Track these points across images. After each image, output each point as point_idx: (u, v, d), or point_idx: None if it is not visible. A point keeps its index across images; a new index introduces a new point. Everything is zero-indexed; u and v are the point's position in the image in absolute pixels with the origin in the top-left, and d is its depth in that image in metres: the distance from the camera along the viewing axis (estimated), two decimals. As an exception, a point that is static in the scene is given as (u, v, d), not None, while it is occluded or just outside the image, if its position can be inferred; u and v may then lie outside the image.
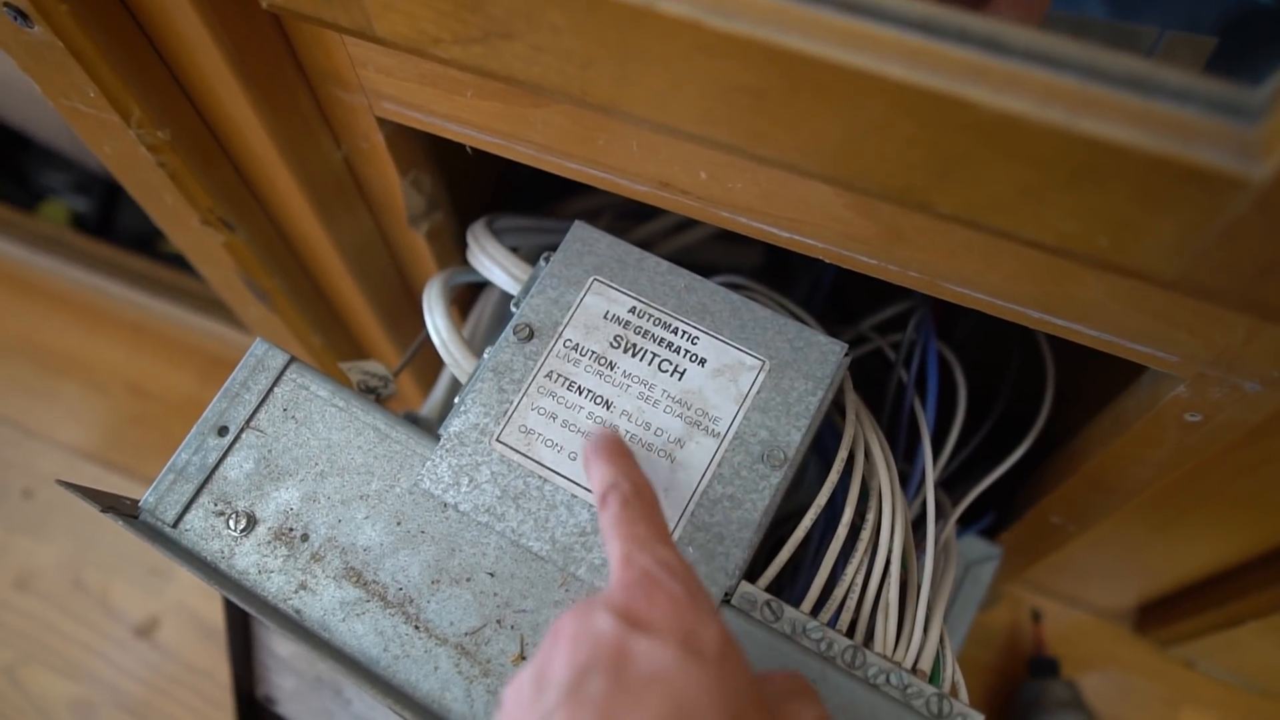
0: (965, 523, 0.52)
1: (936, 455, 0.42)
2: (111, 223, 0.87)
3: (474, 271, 0.44)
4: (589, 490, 0.33)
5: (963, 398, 0.44)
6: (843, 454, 0.35)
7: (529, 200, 0.58)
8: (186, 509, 0.34)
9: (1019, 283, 0.31)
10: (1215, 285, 0.25)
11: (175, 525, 0.34)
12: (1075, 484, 0.43)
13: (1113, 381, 0.42)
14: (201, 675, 0.62)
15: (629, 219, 0.55)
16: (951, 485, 0.51)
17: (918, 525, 0.38)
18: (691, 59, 0.25)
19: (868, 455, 0.36)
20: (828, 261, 0.35)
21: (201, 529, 0.34)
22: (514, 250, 0.43)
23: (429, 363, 0.56)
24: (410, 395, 0.64)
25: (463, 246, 0.48)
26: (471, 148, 0.38)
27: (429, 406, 0.50)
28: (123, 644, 0.65)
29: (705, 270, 0.37)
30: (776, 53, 0.23)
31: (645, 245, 0.37)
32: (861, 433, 0.36)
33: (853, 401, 0.37)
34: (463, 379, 0.39)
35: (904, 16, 0.23)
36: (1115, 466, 0.40)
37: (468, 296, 0.58)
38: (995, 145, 0.23)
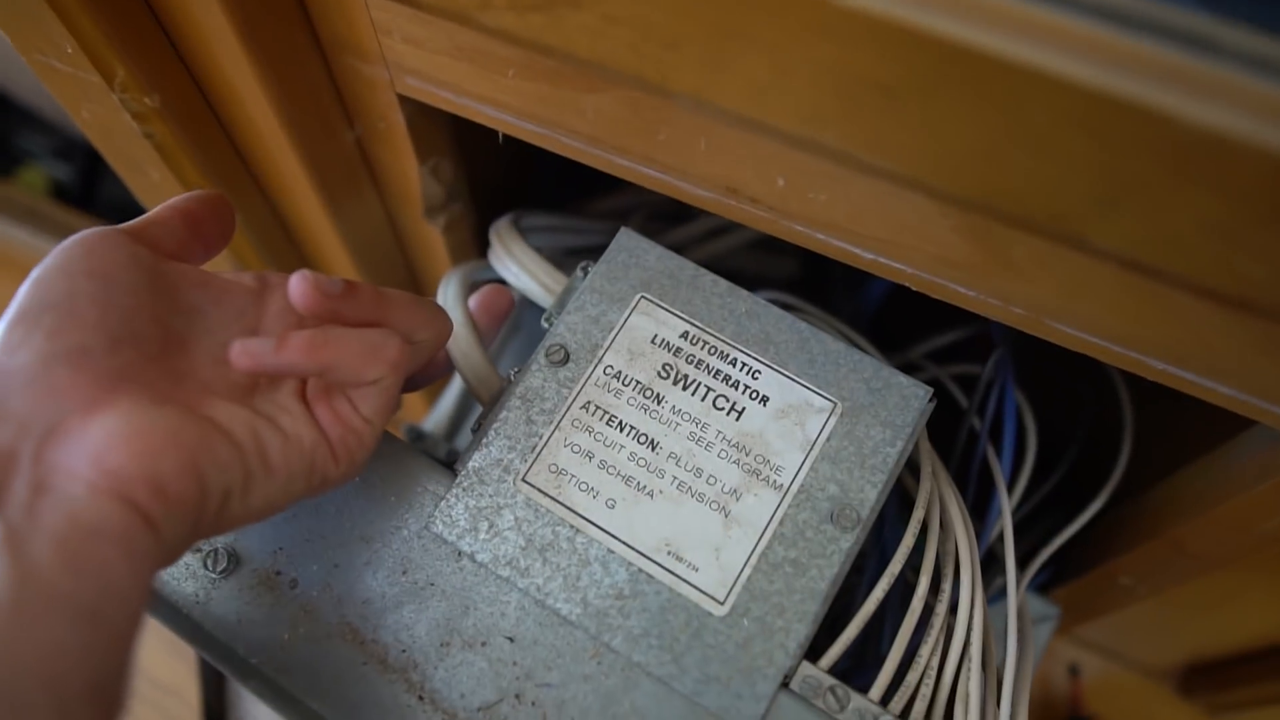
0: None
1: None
2: (94, 194, 0.81)
3: (493, 269, 0.39)
4: (630, 545, 0.28)
5: (1033, 446, 0.39)
6: (918, 515, 0.30)
7: (550, 195, 0.53)
8: (155, 541, 0.29)
9: (1149, 329, 0.26)
10: None
11: (141, 560, 0.29)
12: (1156, 547, 0.39)
13: (1206, 433, 0.37)
14: (168, 693, 0.57)
15: (662, 220, 0.50)
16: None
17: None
18: (806, 43, 0.20)
19: (943, 520, 0.31)
20: (913, 288, 0.30)
21: (174, 567, 0.29)
22: (538, 252, 0.38)
23: (436, 369, 0.51)
24: (412, 404, 0.59)
25: (481, 242, 0.43)
26: (504, 135, 0.33)
27: (434, 420, 0.45)
28: (84, 654, 0.59)
29: (734, 280, 0.32)
30: (919, 39, 0.18)
31: (675, 251, 0.32)
32: (937, 492, 0.32)
33: (928, 455, 0.32)
34: (481, 396, 0.34)
35: (1089, 2, 0.18)
36: (1210, 534, 0.36)
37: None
38: (1189, 170, 0.18)
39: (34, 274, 0.24)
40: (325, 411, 0.26)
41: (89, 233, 0.25)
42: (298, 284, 0.25)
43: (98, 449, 0.21)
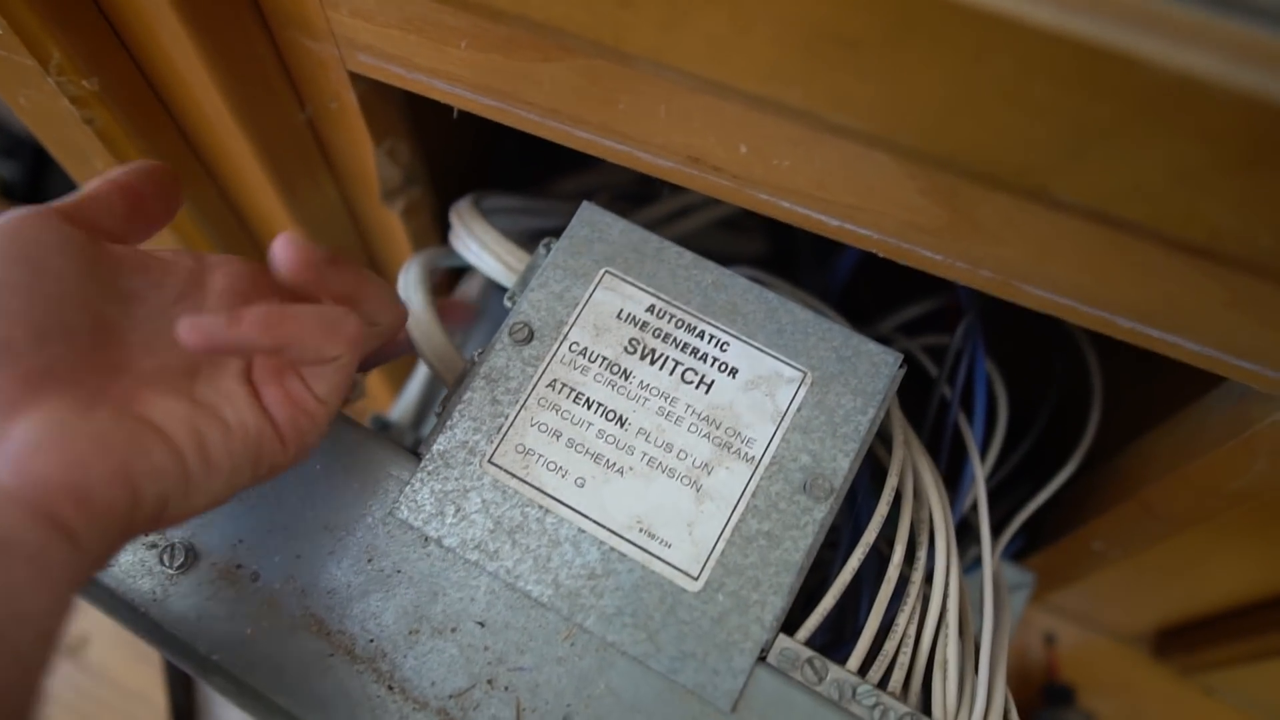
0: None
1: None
2: (42, 191, 0.79)
3: (456, 255, 0.38)
4: (601, 524, 0.28)
5: (1004, 414, 0.39)
6: (891, 484, 0.30)
7: (512, 178, 0.52)
8: (109, 538, 0.28)
9: (1118, 286, 0.26)
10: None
11: (95, 558, 0.28)
12: (1127, 509, 0.39)
13: (1175, 395, 0.37)
14: (134, 699, 0.55)
15: (627, 200, 0.49)
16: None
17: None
18: (766, -5, 0.19)
19: (917, 488, 0.31)
20: (881, 255, 0.30)
21: (129, 564, 0.28)
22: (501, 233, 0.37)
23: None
24: (377, 394, 0.58)
25: (443, 227, 0.42)
26: (458, 110, 0.33)
27: (400, 409, 0.44)
28: (47, 663, 0.58)
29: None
30: (881, -12, 0.18)
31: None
32: (910, 460, 0.31)
33: (900, 423, 0.32)
34: (446, 382, 0.34)
35: (1052, -55, 0.17)
36: (1180, 494, 0.36)
37: (443, 285, 0.52)
38: (1158, 116, 0.18)
39: None
40: (275, 394, 0.25)
41: (16, 213, 0.23)
42: (283, 248, 0.23)
43: (17, 456, 0.20)
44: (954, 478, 0.37)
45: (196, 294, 0.26)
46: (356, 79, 0.33)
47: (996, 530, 0.40)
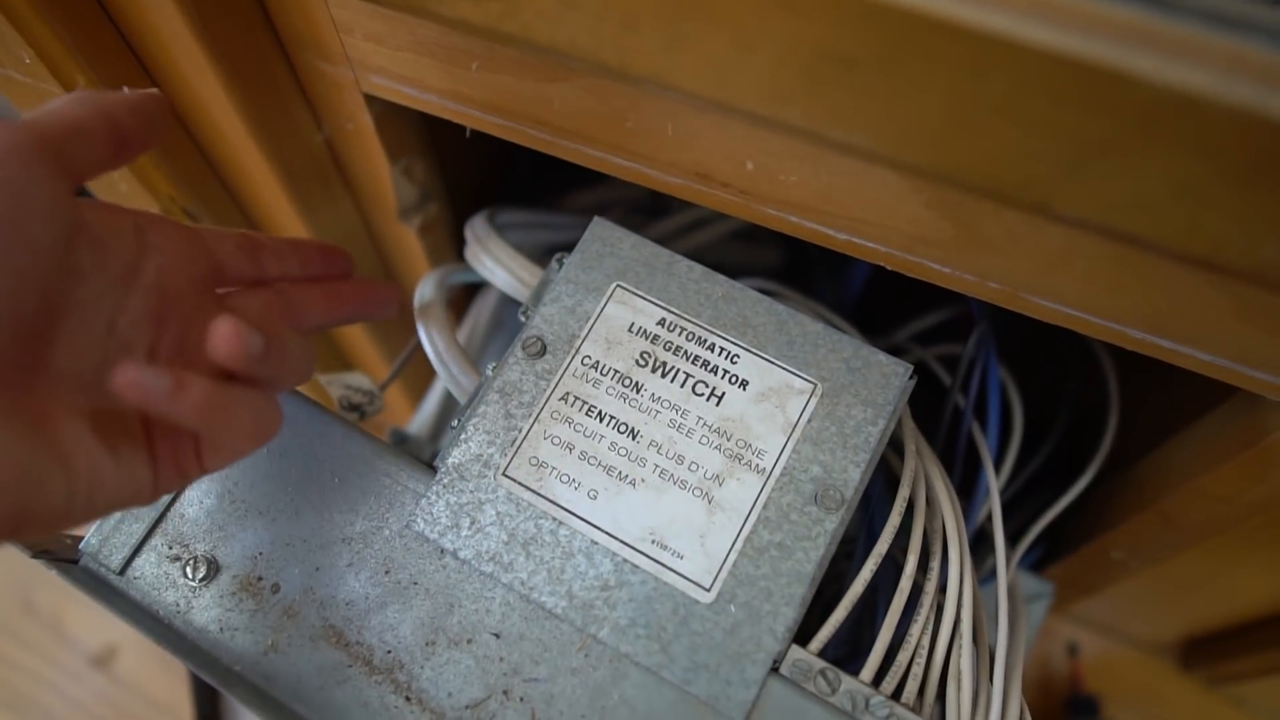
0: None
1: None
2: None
3: (472, 271, 0.39)
4: (613, 536, 0.28)
5: (1019, 422, 0.39)
6: (904, 493, 0.30)
7: (527, 193, 0.53)
8: (136, 552, 0.29)
9: (1126, 298, 0.26)
10: None
11: (122, 572, 0.28)
12: (1146, 519, 0.39)
13: (1192, 404, 0.37)
14: (162, 711, 0.56)
15: (641, 215, 0.49)
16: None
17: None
18: (766, 18, 0.20)
19: (929, 497, 0.31)
20: (889, 268, 0.30)
21: (153, 577, 0.28)
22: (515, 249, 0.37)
23: (417, 371, 0.50)
24: (396, 407, 0.59)
25: (458, 243, 0.43)
26: (471, 130, 0.33)
27: (418, 422, 0.45)
28: (77, 674, 0.59)
29: (718, 271, 0.32)
30: (878, 9, 0.18)
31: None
32: (922, 470, 0.31)
33: (911, 433, 0.32)
34: (461, 397, 0.34)
35: (1046, -36, 0.18)
36: (1198, 504, 0.36)
37: (459, 300, 0.52)
38: (1156, 131, 0.18)
39: None
40: (167, 450, 0.23)
41: (4, 149, 0.20)
42: (225, 341, 0.21)
43: None
44: (970, 487, 0.37)
45: (129, 284, 0.23)
46: (371, 100, 0.34)
47: (1014, 539, 0.40)
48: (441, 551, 0.28)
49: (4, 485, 0.19)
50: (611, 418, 0.29)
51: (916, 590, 0.30)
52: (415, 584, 0.28)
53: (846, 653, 0.39)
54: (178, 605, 0.28)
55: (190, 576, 0.28)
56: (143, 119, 0.24)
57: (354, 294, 0.31)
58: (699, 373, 0.30)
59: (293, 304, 0.29)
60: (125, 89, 0.24)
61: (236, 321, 0.21)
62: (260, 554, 0.29)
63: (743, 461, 0.29)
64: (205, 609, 0.28)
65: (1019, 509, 0.44)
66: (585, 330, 0.30)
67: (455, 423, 0.31)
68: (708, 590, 0.27)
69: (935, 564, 0.30)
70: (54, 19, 0.29)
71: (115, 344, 0.23)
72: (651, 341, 0.30)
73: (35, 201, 0.20)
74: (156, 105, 0.24)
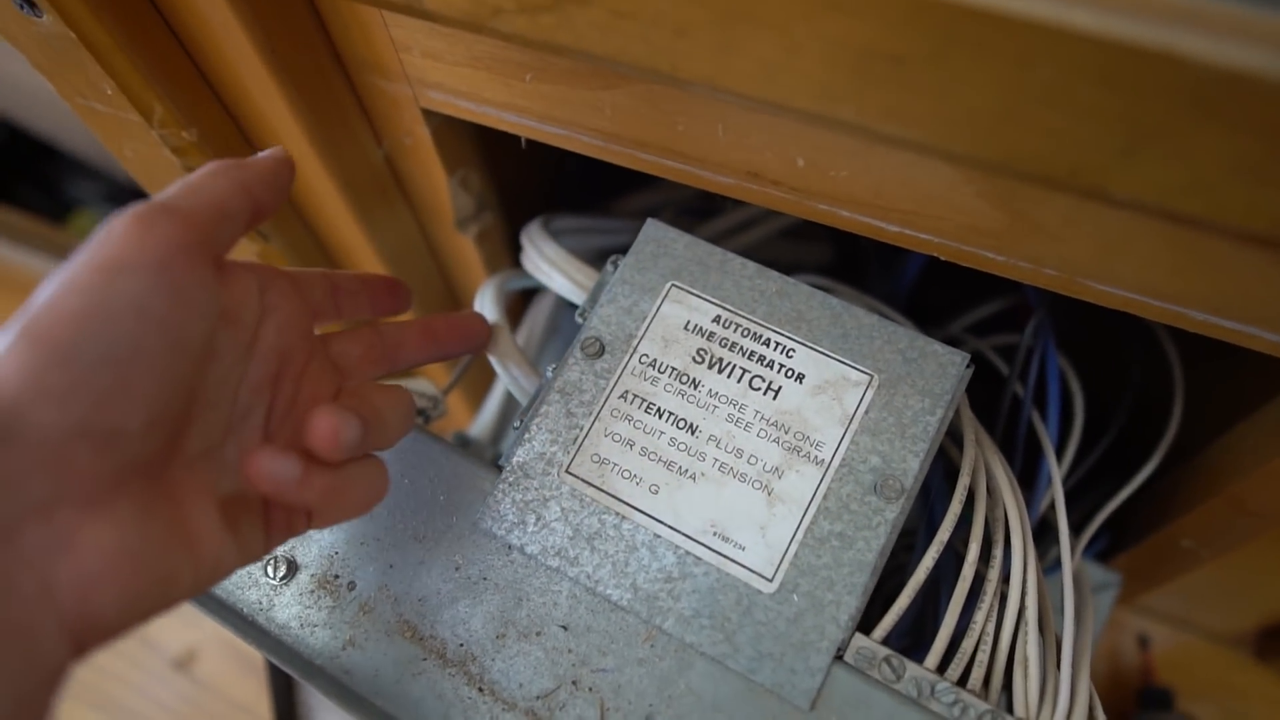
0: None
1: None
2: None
3: (528, 276, 0.40)
4: (675, 529, 0.28)
5: (1080, 410, 0.39)
6: (964, 482, 0.30)
7: (579, 199, 0.54)
8: (220, 553, 0.30)
9: (1187, 280, 0.26)
10: None
11: (208, 572, 0.30)
12: (1216, 505, 0.38)
13: (1260, 386, 0.37)
14: (242, 711, 0.58)
15: (691, 216, 0.50)
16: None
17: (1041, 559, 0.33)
18: (813, 18, 0.20)
19: (990, 486, 0.31)
20: (942, 259, 0.30)
21: (237, 577, 0.30)
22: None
23: (477, 376, 0.52)
24: (457, 413, 0.60)
25: (514, 250, 0.44)
26: (526, 140, 0.34)
27: (479, 426, 0.46)
28: (160, 677, 0.61)
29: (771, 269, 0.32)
30: (925, 5, 0.19)
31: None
32: (982, 458, 0.31)
33: (970, 422, 0.32)
34: (522, 398, 0.35)
35: (1091, -49, 0.18)
36: (1272, 489, 0.35)
37: (515, 306, 0.53)
38: (1209, 111, 0.18)
39: (101, 289, 0.19)
40: (281, 520, 0.24)
41: (167, 244, 0.20)
42: (324, 438, 0.22)
43: (82, 583, 0.18)
44: (1031, 477, 0.37)
45: (251, 351, 0.24)
46: (429, 115, 0.35)
47: (1077, 529, 0.40)
48: (509, 547, 0.29)
49: (143, 594, 0.19)
50: (670, 414, 0.30)
51: (979, 580, 0.30)
52: (485, 579, 0.29)
53: (909, 644, 0.39)
54: (260, 603, 0.29)
55: (271, 576, 0.30)
56: (277, 191, 0.24)
57: (449, 330, 0.32)
58: (755, 368, 0.30)
59: (390, 345, 0.30)
60: (258, 154, 0.24)
61: (334, 413, 0.22)
62: (336, 553, 0.30)
63: (801, 454, 0.29)
64: (286, 606, 0.29)
65: (1082, 498, 0.43)
66: (642, 329, 0.31)
67: (518, 423, 0.32)
68: (770, 580, 0.28)
69: (998, 552, 0.30)
70: (133, 51, 0.31)
71: (238, 414, 0.24)
72: (707, 339, 0.31)
73: (197, 302, 0.20)
74: (289, 171, 0.24)
